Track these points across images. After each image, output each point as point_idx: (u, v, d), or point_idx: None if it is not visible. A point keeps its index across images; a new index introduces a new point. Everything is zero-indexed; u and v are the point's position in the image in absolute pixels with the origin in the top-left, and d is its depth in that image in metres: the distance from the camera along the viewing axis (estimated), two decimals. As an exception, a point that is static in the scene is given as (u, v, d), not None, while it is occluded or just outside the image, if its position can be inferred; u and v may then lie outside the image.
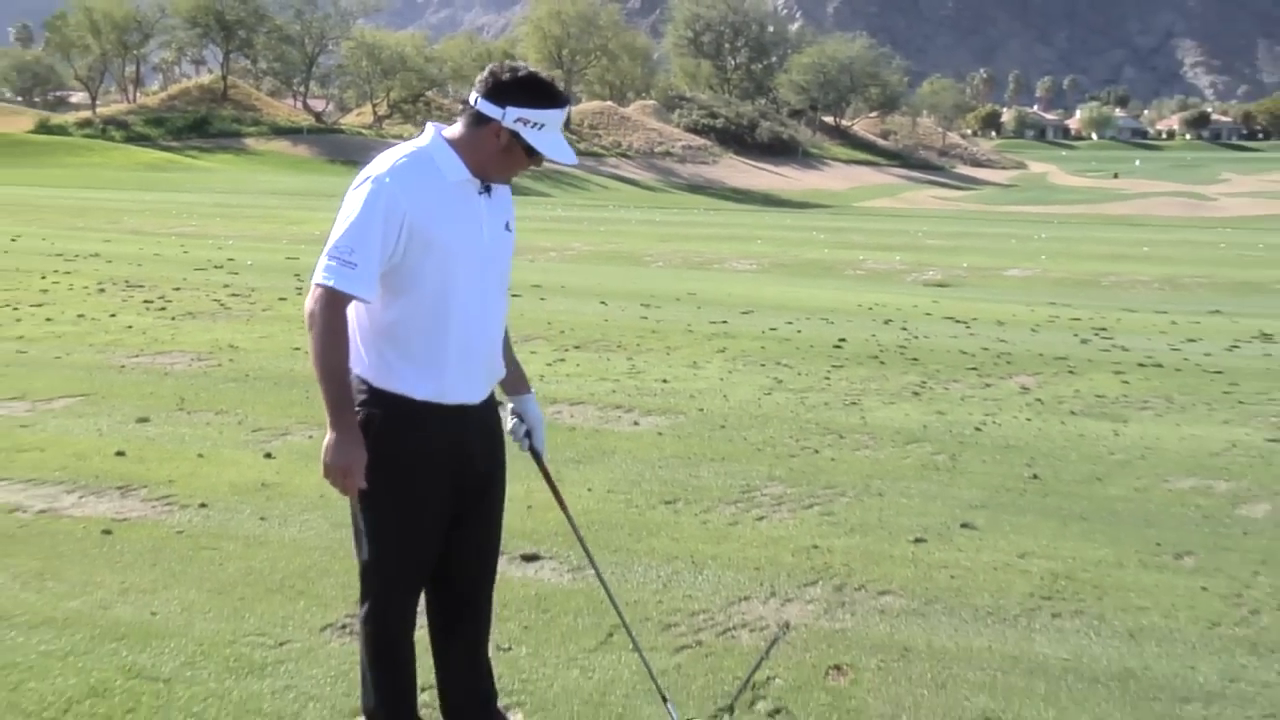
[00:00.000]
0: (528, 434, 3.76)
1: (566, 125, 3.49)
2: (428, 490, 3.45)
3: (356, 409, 3.37)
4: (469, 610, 3.75)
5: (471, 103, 3.36)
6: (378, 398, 3.39)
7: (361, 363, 3.43)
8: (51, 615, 4.81)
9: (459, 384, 3.44)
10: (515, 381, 3.79)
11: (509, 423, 3.76)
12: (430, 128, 3.45)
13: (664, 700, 3.82)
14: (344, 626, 4.75)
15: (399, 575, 3.55)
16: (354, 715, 4.02)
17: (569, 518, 3.90)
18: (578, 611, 4.93)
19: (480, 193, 3.44)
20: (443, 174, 3.36)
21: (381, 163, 3.34)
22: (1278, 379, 10.95)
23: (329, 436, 3.32)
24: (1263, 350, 12.84)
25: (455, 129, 3.42)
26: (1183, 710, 4.28)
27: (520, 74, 3.33)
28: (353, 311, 3.38)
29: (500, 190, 3.53)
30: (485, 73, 3.38)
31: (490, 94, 3.31)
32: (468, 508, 3.58)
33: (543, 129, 3.32)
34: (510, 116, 3.29)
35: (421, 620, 3.69)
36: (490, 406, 3.64)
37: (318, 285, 3.28)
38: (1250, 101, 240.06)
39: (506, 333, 3.75)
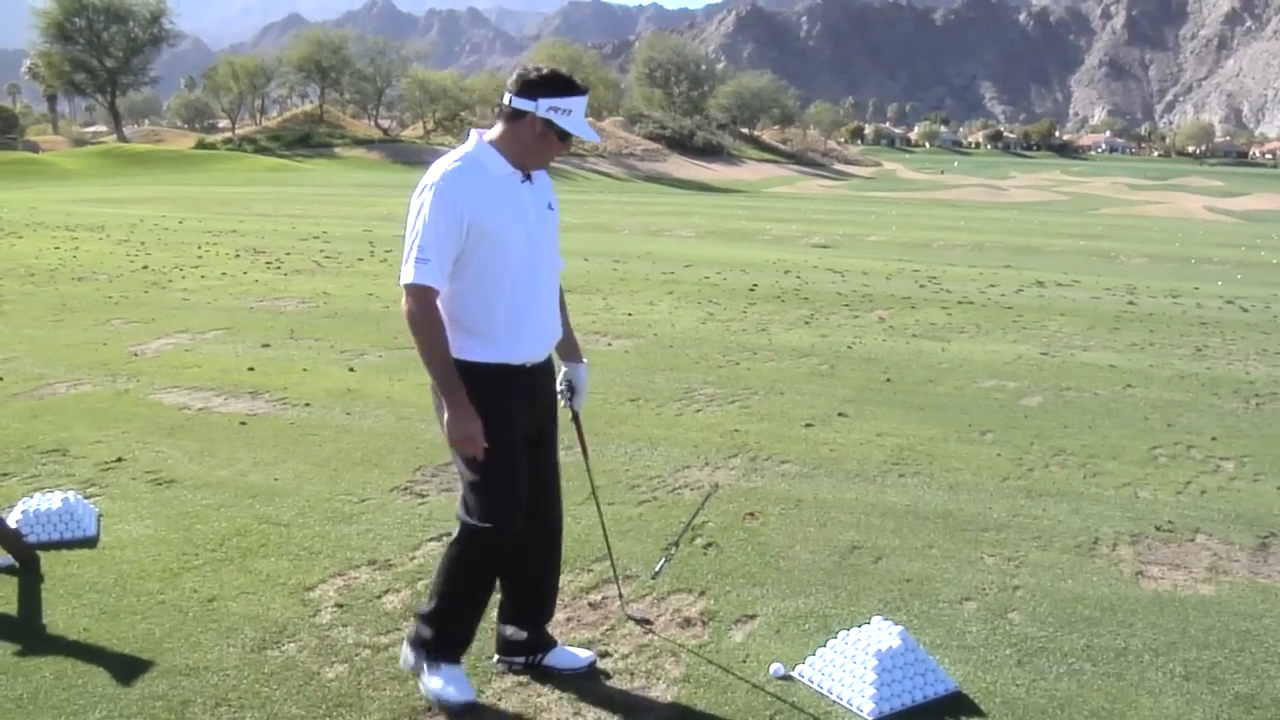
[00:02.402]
0: (572, 395, 3.19)
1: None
2: (513, 434, 2.88)
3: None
4: (545, 533, 3.14)
5: (506, 103, 2.85)
6: (458, 368, 2.83)
7: None
8: (209, 480, 4.78)
9: (518, 346, 2.88)
10: (569, 349, 3.20)
11: (560, 384, 3.17)
12: (473, 134, 2.91)
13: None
14: (405, 489, 4.70)
15: (503, 495, 2.89)
16: (414, 549, 3.99)
17: (586, 462, 3.47)
18: (569, 478, 4.86)
19: (523, 182, 2.88)
20: (488, 171, 2.82)
21: (435, 170, 2.81)
22: (1047, 312, 10.99)
23: (448, 414, 2.77)
24: (1038, 293, 12.87)
25: (494, 130, 2.90)
26: (982, 536, 4.32)
27: (545, 71, 2.84)
28: None
29: (540, 176, 2.98)
30: (515, 75, 2.86)
31: (523, 91, 2.81)
32: (532, 447, 3.02)
33: (570, 114, 2.82)
34: (543, 107, 2.79)
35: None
36: (549, 364, 3.09)
37: (407, 286, 2.76)
38: (1027, 124, 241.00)
39: (564, 303, 3.16)
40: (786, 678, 3.14)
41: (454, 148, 3.04)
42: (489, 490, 2.86)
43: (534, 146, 2.86)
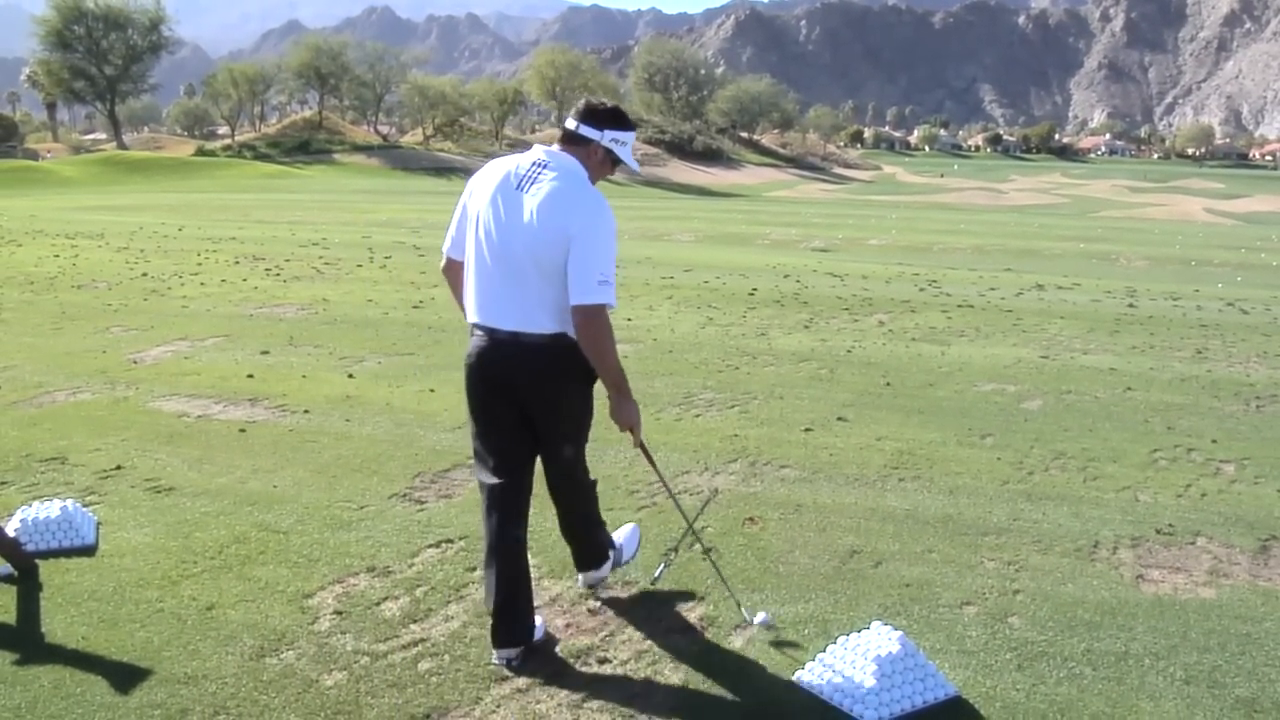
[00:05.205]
0: None
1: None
2: None
3: (583, 365, 3.21)
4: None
5: (573, 128, 3.19)
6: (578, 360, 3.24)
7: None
8: (208, 487, 4.77)
9: None
10: None
11: None
12: (560, 152, 3.20)
13: (738, 605, 3.57)
14: (404, 495, 4.69)
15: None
16: (413, 556, 3.99)
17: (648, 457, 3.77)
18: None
19: None
20: None
21: (595, 195, 3.13)
22: (1047, 315, 10.99)
23: (628, 404, 3.39)
24: (1038, 296, 12.89)
25: (563, 149, 3.22)
26: (982, 540, 4.31)
27: (609, 106, 3.26)
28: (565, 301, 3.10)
29: None
30: (582, 106, 3.25)
31: (590, 120, 3.19)
32: None
33: (625, 146, 3.25)
34: (607, 137, 3.20)
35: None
36: None
37: (605, 305, 3.07)
38: (1027, 127, 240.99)
39: None
40: (770, 627, 3.28)
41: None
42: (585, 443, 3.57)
43: (597, 170, 3.23)
